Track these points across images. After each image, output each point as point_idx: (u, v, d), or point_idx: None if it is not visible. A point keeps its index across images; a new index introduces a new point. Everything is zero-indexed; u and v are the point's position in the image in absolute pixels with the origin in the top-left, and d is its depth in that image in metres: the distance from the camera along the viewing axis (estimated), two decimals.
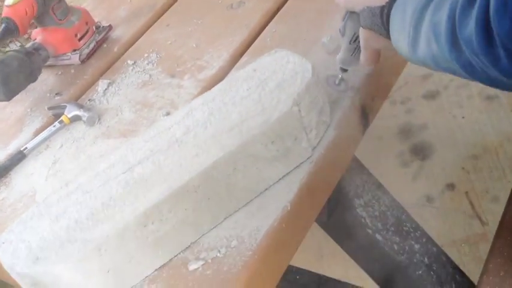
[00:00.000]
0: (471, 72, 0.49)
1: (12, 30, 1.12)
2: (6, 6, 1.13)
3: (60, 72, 1.24)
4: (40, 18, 1.20)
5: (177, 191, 0.72)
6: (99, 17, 1.39)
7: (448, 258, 1.06)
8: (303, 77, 0.80)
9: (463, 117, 2.06)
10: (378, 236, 1.00)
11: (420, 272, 1.01)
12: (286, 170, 0.81)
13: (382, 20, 0.65)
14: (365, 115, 0.92)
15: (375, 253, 1.02)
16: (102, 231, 0.70)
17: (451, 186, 1.86)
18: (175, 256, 0.76)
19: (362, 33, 0.72)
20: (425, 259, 1.02)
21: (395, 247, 1.00)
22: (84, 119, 1.03)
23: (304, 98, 0.79)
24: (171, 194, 0.72)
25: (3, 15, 1.13)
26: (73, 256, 0.69)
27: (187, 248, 0.77)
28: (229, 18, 1.18)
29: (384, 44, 0.69)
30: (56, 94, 1.18)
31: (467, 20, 0.44)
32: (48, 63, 1.26)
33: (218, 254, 0.75)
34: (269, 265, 0.75)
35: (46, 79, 1.24)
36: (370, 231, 0.99)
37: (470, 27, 0.43)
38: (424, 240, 1.03)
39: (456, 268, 1.06)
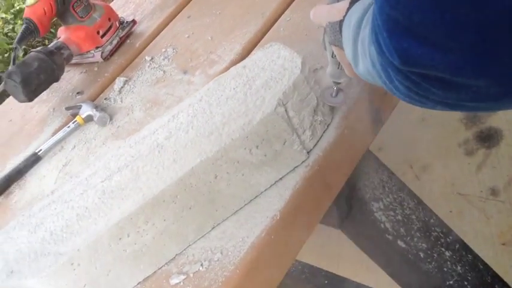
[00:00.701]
0: (390, 90, 0.43)
1: (32, 30, 1.13)
2: (26, 6, 1.14)
3: (84, 71, 1.24)
4: (62, 17, 1.20)
5: (152, 201, 0.68)
6: (127, 12, 1.38)
7: (486, 265, 0.95)
8: (290, 74, 0.73)
9: None
10: (401, 243, 0.91)
11: (451, 282, 0.91)
12: (278, 175, 0.75)
13: (340, 35, 0.59)
14: (376, 110, 0.83)
15: (397, 261, 0.93)
16: (74, 245, 0.68)
17: None
18: (159, 268, 0.72)
19: (333, 49, 0.65)
20: (458, 267, 0.92)
21: (422, 255, 0.91)
22: (95, 119, 1.02)
23: (292, 97, 0.72)
24: (145, 205, 0.68)
25: (23, 15, 1.14)
26: (45, 270, 0.67)
27: (172, 259, 0.73)
28: (247, 7, 1.12)
29: None
30: (77, 93, 1.18)
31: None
32: (74, 61, 1.26)
33: (200, 268, 0.70)
34: (254, 282, 0.70)
35: (71, 78, 1.25)
36: (390, 237, 0.90)
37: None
38: (457, 246, 0.93)
39: (495, 277, 0.94)
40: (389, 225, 0.91)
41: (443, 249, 0.92)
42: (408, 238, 0.91)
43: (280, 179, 0.75)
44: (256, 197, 0.75)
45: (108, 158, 0.77)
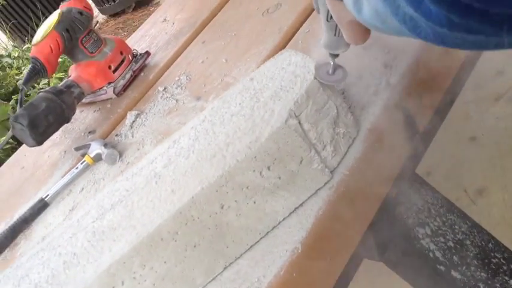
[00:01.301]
0: (412, 28, 0.34)
1: (38, 69, 1.07)
2: (33, 45, 1.09)
3: (98, 109, 1.17)
4: (71, 54, 1.14)
5: (147, 240, 0.58)
6: (143, 45, 1.32)
7: None
8: (303, 81, 0.62)
9: None
10: (455, 274, 0.76)
11: None
12: (298, 200, 0.63)
13: None
14: (410, 118, 0.71)
15: None
16: None
17: None
18: None
19: (327, 4, 0.54)
20: None
21: (482, 286, 0.76)
22: (103, 156, 0.94)
23: (306, 107, 0.61)
24: (139, 245, 0.58)
25: (30, 55, 1.09)
26: None
27: None
28: (263, 25, 1.03)
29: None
30: (89, 132, 1.10)
31: None
32: (87, 100, 1.20)
33: None
34: None
35: (85, 118, 1.18)
36: (442, 267, 0.76)
37: None
38: None
39: None
40: (439, 254, 0.77)
41: (506, 277, 0.77)
42: (464, 267, 0.77)
43: (301, 205, 0.64)
44: (273, 228, 0.63)
45: (103, 195, 0.67)
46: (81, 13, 1.13)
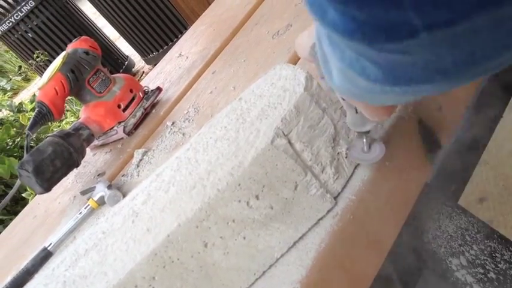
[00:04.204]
0: (361, 70, 0.31)
1: (44, 114, 1.03)
2: (38, 89, 1.06)
3: (109, 150, 1.12)
4: (78, 95, 1.11)
5: None
6: (157, 82, 1.27)
7: None
8: (291, 94, 0.54)
9: None
10: None
11: None
12: (296, 233, 0.55)
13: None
14: (428, 131, 0.62)
15: None
16: None
17: None
18: None
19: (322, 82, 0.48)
20: None
21: None
22: (106, 199, 0.87)
23: (297, 124, 0.53)
24: None
25: (36, 99, 1.06)
26: None
27: None
28: (272, 47, 0.96)
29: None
30: (99, 175, 1.05)
31: None
32: (100, 141, 1.16)
33: None
34: None
35: (96, 161, 1.13)
36: None
37: None
38: None
39: None
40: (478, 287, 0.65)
41: None
42: None
43: (301, 237, 0.55)
44: (270, 266, 0.55)
45: (82, 240, 0.60)
46: (87, 53, 1.10)
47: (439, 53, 0.25)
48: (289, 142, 0.52)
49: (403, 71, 0.28)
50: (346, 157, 0.56)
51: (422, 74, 0.27)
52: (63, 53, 1.09)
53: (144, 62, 4.72)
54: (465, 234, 0.68)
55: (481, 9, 0.21)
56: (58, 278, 0.56)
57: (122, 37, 4.43)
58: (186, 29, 4.11)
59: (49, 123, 1.08)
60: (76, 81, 1.07)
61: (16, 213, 1.95)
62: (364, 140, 0.55)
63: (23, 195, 2.02)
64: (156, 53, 4.38)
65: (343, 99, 0.51)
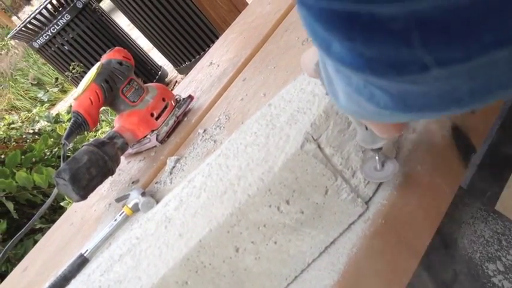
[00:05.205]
0: (370, 97, 0.30)
1: (80, 123, 1.06)
2: (74, 99, 1.08)
3: (143, 158, 1.14)
4: (112, 104, 1.13)
5: None
6: (189, 91, 1.29)
7: None
8: (321, 99, 0.54)
9: None
10: None
11: None
12: (327, 238, 0.54)
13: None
14: (460, 134, 0.61)
15: None
16: None
17: None
18: None
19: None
20: None
21: None
22: (140, 206, 0.89)
23: (327, 129, 0.53)
24: None
25: (72, 109, 1.08)
26: None
27: None
28: (302, 54, 0.96)
29: None
30: (133, 183, 1.07)
31: None
32: (134, 150, 1.17)
33: None
34: None
35: (131, 169, 1.15)
36: None
37: None
38: None
39: None
40: None
41: None
42: None
43: (332, 242, 0.55)
44: (302, 271, 0.54)
45: (116, 245, 0.61)
46: (120, 63, 1.12)
47: (454, 84, 0.24)
48: (319, 147, 0.52)
49: (415, 99, 0.27)
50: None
51: (435, 103, 0.26)
52: (98, 64, 1.12)
53: (176, 71, 4.77)
54: (501, 239, 0.66)
55: (499, 46, 0.20)
56: (94, 283, 0.57)
57: (155, 48, 4.49)
58: (217, 38, 4.15)
59: (85, 132, 1.10)
60: (110, 91, 1.09)
61: (54, 222, 2.01)
62: (377, 157, 0.53)
63: (61, 204, 2.07)
64: (189, 62, 4.43)
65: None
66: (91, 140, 1.10)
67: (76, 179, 0.98)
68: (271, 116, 0.59)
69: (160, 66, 5.17)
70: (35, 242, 1.93)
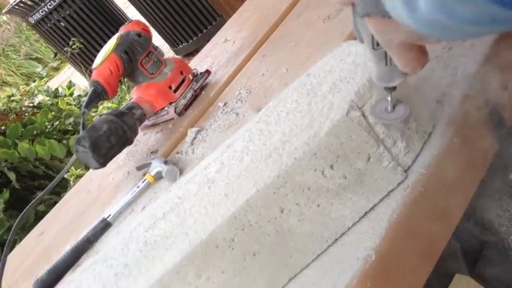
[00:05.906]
0: None
1: (99, 92, 1.07)
2: (93, 69, 1.09)
3: (160, 130, 1.15)
4: (131, 76, 1.14)
5: (201, 248, 0.53)
6: (205, 66, 1.30)
7: None
8: (364, 69, 0.56)
9: None
10: None
11: None
12: (368, 203, 0.56)
13: None
14: (494, 110, 0.63)
15: None
16: None
17: None
18: None
19: (371, 27, 0.43)
20: None
21: None
22: (164, 174, 0.90)
23: (370, 98, 0.55)
24: (193, 253, 0.53)
25: (91, 78, 1.09)
26: None
27: None
28: (324, 32, 0.98)
29: (403, 28, 0.39)
30: (151, 153, 1.08)
31: None
32: (150, 122, 1.19)
33: None
34: None
35: (148, 140, 1.16)
36: None
37: None
38: None
39: None
40: None
41: None
42: None
43: (372, 208, 0.57)
44: (342, 234, 0.57)
45: (156, 205, 0.63)
46: (139, 35, 1.13)
47: None
48: (363, 115, 0.54)
49: None
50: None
51: None
52: (117, 35, 1.13)
53: (173, 52, 4.75)
54: None
55: None
56: (138, 238, 0.59)
57: (151, 27, 4.47)
58: (215, 20, 4.13)
59: (104, 101, 1.11)
60: (129, 62, 1.10)
61: (56, 194, 2.01)
62: (389, 98, 0.54)
63: (65, 176, 2.07)
64: (186, 43, 4.41)
65: (374, 49, 0.48)
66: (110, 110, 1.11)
67: (96, 147, 0.99)
68: (311, 85, 0.61)
69: (157, 47, 5.13)
70: (37, 212, 1.94)
